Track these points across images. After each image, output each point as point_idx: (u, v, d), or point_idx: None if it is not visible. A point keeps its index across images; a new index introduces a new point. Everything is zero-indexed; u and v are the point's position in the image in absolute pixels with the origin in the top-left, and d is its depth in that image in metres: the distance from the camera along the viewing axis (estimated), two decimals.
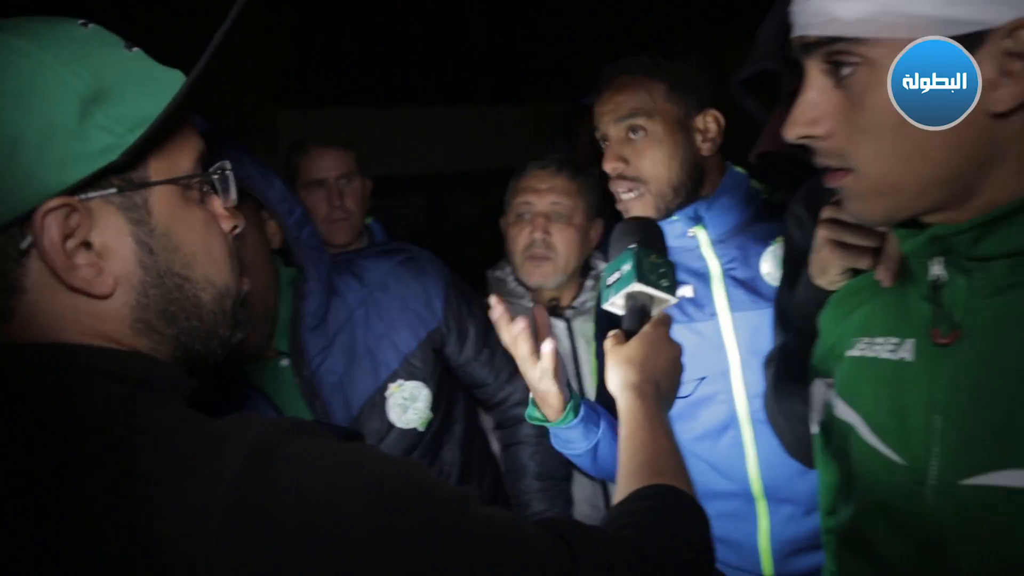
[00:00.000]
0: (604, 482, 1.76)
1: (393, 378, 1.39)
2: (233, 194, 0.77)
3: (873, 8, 0.66)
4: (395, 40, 4.99)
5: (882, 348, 0.81)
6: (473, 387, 1.59)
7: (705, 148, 1.39)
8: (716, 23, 4.07)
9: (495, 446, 1.78)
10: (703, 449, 1.38)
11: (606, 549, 0.71)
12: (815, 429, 0.95)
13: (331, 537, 0.59)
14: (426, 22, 5.06)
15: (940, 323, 0.75)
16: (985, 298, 0.72)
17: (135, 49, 0.70)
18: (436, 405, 1.43)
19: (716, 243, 1.41)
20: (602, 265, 1.86)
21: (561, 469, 1.72)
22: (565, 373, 1.21)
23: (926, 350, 0.76)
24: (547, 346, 1.12)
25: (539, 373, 1.13)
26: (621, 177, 1.37)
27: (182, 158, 0.72)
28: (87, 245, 0.66)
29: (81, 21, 0.69)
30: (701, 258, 1.41)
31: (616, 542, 0.73)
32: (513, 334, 1.12)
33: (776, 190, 1.43)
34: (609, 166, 1.38)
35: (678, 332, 1.19)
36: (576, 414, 1.20)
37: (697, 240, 1.41)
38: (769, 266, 1.37)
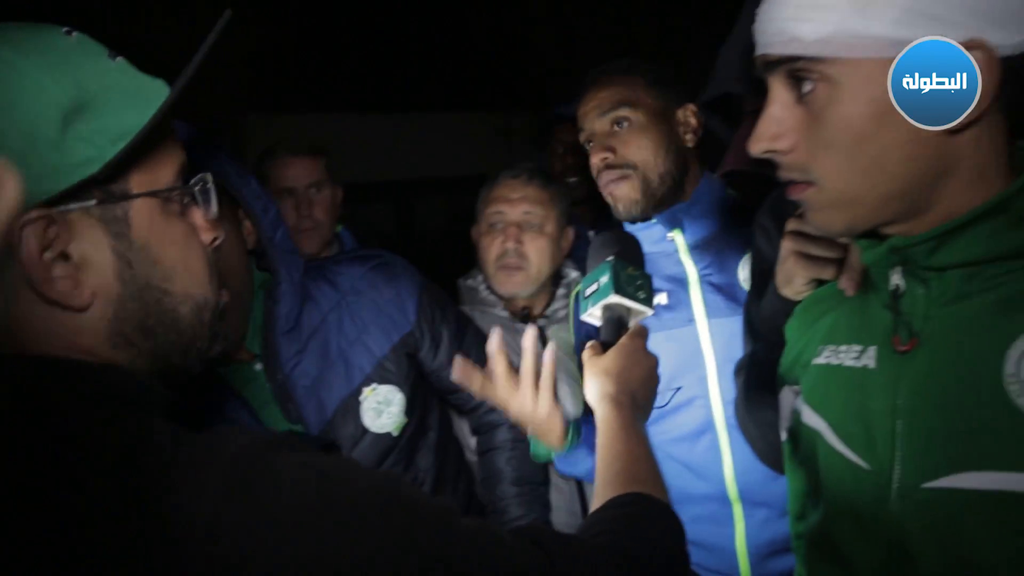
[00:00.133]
0: (581, 486, 1.76)
1: (367, 382, 1.38)
2: (214, 206, 0.76)
3: (831, 29, 0.68)
4: (364, 46, 4.98)
5: (846, 356, 0.83)
6: (447, 392, 1.58)
7: (688, 139, 1.41)
8: (684, 32, 4.13)
9: (470, 456, 1.77)
10: (680, 452, 1.39)
11: (583, 556, 0.73)
12: (784, 436, 0.96)
13: (313, 555, 0.59)
14: (395, 29, 5.06)
15: (900, 331, 0.77)
16: (941, 306, 0.74)
17: (119, 59, 0.69)
18: (410, 410, 1.43)
19: (693, 249, 1.42)
20: (574, 274, 1.88)
21: (538, 474, 1.72)
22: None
23: (887, 357, 0.78)
24: (547, 354, 1.07)
25: (542, 396, 1.07)
26: (609, 167, 1.38)
27: (163, 170, 0.71)
28: (65, 257, 0.65)
29: (65, 29, 0.68)
30: (679, 263, 1.42)
31: (592, 549, 0.74)
32: (488, 349, 1.09)
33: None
34: (597, 158, 1.39)
35: (656, 339, 1.18)
36: (579, 433, 1.15)
37: (675, 245, 1.42)
38: (746, 272, 1.38)
